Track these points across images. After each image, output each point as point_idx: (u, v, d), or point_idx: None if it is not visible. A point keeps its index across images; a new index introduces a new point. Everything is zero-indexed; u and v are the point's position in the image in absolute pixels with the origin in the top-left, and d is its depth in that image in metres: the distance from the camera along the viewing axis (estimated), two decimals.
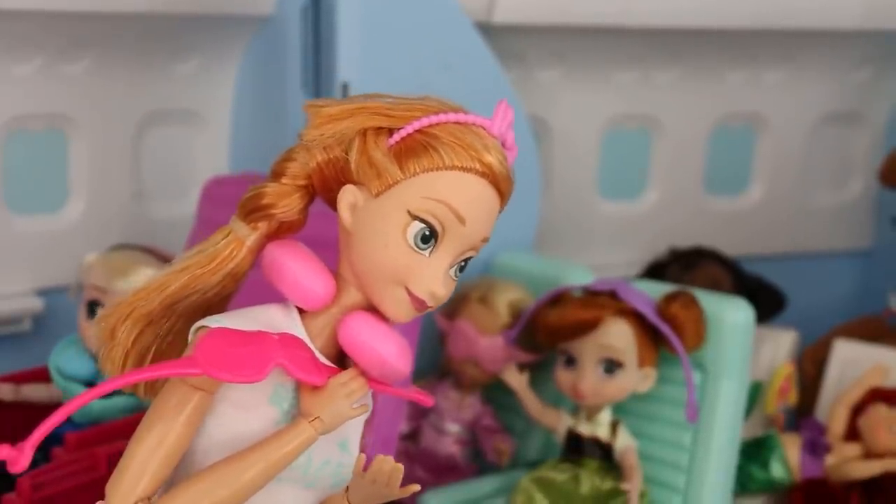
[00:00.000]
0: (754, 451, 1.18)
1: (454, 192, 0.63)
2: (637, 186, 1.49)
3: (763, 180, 1.56)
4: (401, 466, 0.63)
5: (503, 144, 0.66)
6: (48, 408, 0.94)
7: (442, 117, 0.65)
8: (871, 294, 1.56)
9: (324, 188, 0.67)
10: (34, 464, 0.94)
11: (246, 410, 0.64)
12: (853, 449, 1.16)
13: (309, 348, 0.65)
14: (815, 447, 1.17)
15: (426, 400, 0.69)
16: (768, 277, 1.35)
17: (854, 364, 1.26)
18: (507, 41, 1.29)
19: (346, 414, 0.64)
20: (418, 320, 1.01)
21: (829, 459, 1.16)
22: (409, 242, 0.63)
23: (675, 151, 1.49)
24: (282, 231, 0.68)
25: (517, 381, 1.07)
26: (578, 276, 1.12)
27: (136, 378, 0.64)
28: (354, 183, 0.65)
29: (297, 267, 0.65)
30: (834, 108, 1.56)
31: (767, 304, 1.30)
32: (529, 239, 1.28)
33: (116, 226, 1.22)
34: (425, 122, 0.64)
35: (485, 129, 0.65)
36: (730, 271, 1.32)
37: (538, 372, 1.11)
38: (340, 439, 0.67)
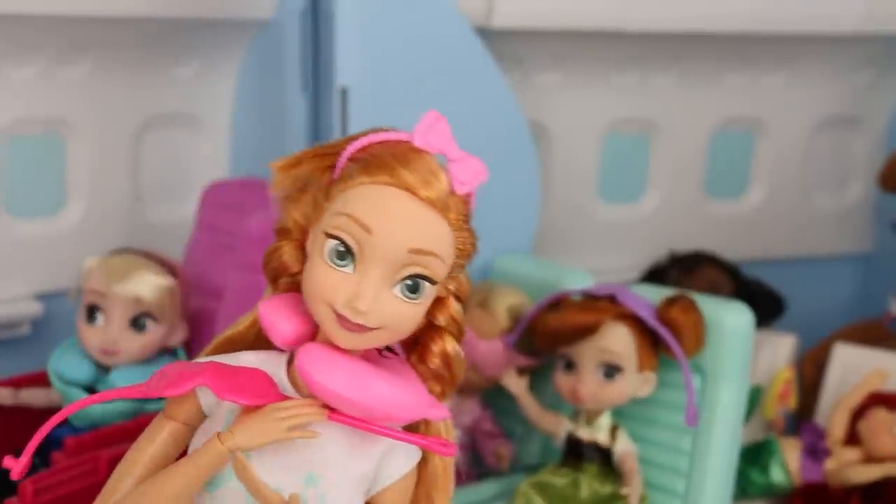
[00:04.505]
0: (754, 456, 1.18)
1: (358, 203, 0.63)
2: (636, 190, 1.49)
3: (762, 184, 1.55)
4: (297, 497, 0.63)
5: (447, 156, 0.65)
6: (47, 412, 0.95)
7: (363, 140, 0.66)
8: (870, 298, 1.56)
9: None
10: (34, 468, 0.94)
11: (206, 436, 0.66)
12: (853, 453, 1.16)
13: (267, 381, 0.66)
14: (815, 451, 1.17)
15: (442, 449, 0.67)
16: (768, 281, 1.35)
17: (854, 368, 1.25)
18: (506, 45, 1.28)
19: (273, 434, 0.64)
20: None
21: (829, 464, 1.16)
22: (327, 261, 0.63)
23: (675, 155, 1.48)
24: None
25: (517, 385, 1.07)
26: (578, 281, 1.12)
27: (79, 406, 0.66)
28: None
29: (267, 311, 0.67)
30: (833, 111, 1.56)
31: (767, 308, 1.30)
32: (528, 243, 1.27)
33: (115, 230, 1.22)
34: (351, 149, 0.66)
35: (410, 142, 0.65)
36: (729, 275, 1.32)
37: (538, 376, 1.11)
38: (305, 473, 0.66)
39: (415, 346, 0.69)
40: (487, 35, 1.23)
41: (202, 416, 0.68)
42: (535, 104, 1.36)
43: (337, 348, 0.65)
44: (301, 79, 1.16)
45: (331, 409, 0.65)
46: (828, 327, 1.38)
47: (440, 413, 0.68)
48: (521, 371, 1.09)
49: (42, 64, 1.14)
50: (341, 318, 0.63)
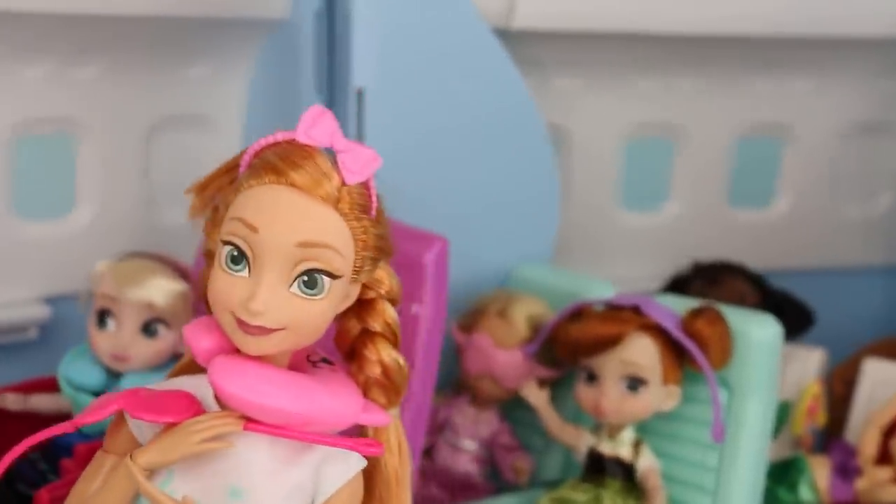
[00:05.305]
0: (782, 474, 1.15)
1: (245, 205, 0.64)
2: (659, 198, 1.47)
3: (790, 192, 1.53)
4: None
5: (334, 148, 0.66)
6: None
7: (255, 146, 0.66)
8: None
9: None
10: (43, 475, 0.93)
11: None
12: (885, 472, 1.13)
13: (188, 400, 0.66)
14: (846, 470, 1.15)
15: (369, 450, 0.66)
16: (796, 293, 1.33)
17: (885, 384, 1.24)
18: (527, 47, 1.27)
19: (184, 448, 0.63)
20: (440, 335, 0.98)
21: (860, 483, 1.14)
22: (224, 267, 0.64)
23: (699, 162, 1.47)
24: None
25: (537, 397, 1.06)
26: (599, 290, 1.10)
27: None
28: None
29: (190, 331, 0.68)
30: (863, 117, 1.54)
31: (795, 320, 1.28)
32: (548, 251, 1.26)
33: (126, 232, 1.21)
34: (247, 158, 0.67)
35: (296, 140, 0.66)
36: (756, 286, 1.30)
37: (558, 388, 1.09)
38: (228, 486, 0.65)
39: (352, 355, 0.69)
40: (507, 37, 1.22)
41: (138, 446, 0.67)
42: (556, 108, 1.35)
43: (250, 357, 0.65)
44: (316, 80, 1.15)
45: (248, 420, 0.65)
46: (856, 341, 1.36)
47: (376, 419, 0.68)
48: (542, 382, 1.08)
49: (52, 64, 1.13)
50: (241, 323, 0.64)
